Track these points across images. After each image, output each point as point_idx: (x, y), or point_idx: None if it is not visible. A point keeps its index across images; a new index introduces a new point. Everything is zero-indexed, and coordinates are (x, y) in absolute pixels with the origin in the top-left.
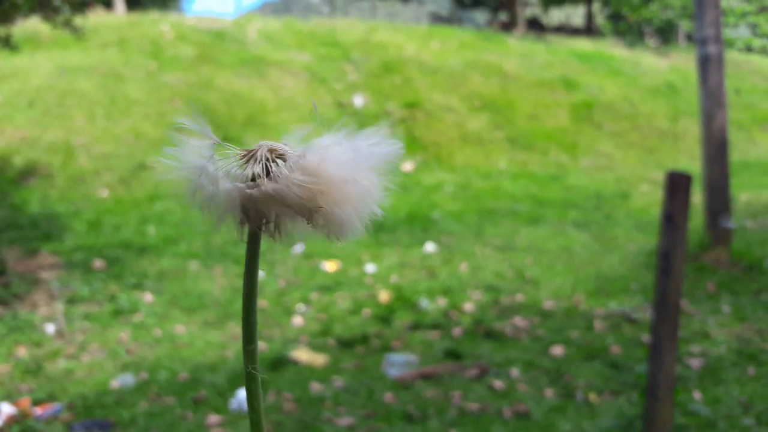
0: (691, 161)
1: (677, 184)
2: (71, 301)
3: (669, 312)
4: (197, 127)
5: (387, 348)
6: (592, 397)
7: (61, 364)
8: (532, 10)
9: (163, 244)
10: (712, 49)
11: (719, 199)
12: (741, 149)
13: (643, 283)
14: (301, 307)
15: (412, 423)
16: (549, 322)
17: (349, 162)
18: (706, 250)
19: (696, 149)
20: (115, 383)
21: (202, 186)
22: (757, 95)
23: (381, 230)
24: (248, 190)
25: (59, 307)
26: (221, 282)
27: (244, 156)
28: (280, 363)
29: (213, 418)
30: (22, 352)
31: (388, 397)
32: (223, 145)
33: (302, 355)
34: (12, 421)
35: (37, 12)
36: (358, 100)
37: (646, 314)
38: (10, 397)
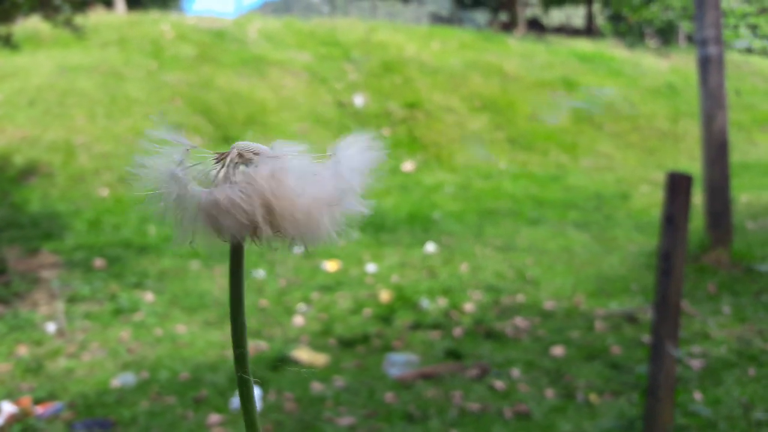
0: (692, 162)
1: (678, 185)
2: (72, 300)
3: (669, 312)
4: (170, 134)
5: (388, 348)
6: (593, 397)
7: (62, 363)
8: (533, 10)
9: (163, 243)
10: (712, 50)
11: (720, 200)
12: (741, 150)
13: (643, 283)
14: (301, 306)
15: (412, 423)
16: (549, 323)
17: (308, 175)
18: (706, 251)
19: (696, 150)
20: (116, 382)
21: (169, 192)
22: (758, 96)
23: (382, 230)
24: (200, 196)
25: (60, 306)
26: (222, 282)
27: (217, 160)
28: (281, 362)
29: (214, 418)
30: (23, 350)
31: (389, 396)
32: (198, 149)
33: (303, 354)
34: (13, 419)
35: (38, 11)
36: (359, 100)
37: (646, 315)
38: (11, 396)
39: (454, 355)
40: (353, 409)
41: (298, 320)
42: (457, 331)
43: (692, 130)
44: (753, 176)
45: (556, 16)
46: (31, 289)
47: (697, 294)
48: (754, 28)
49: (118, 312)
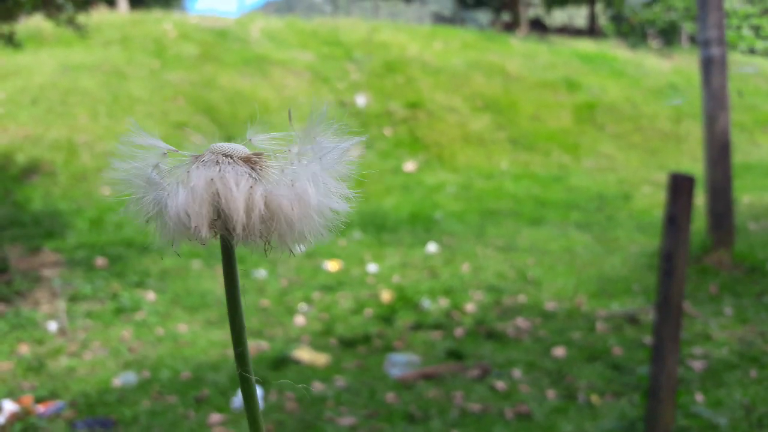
0: (694, 163)
1: (680, 186)
2: (73, 299)
3: (671, 314)
4: (147, 138)
5: (389, 348)
6: (594, 398)
7: (64, 361)
8: (535, 10)
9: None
10: (715, 51)
11: (722, 201)
12: (743, 151)
13: (645, 284)
14: (303, 306)
15: (413, 423)
16: (551, 323)
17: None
18: (708, 252)
19: (698, 151)
20: (118, 381)
21: (145, 196)
22: (760, 97)
23: (383, 230)
24: (163, 200)
25: (61, 304)
26: (223, 281)
27: (190, 162)
28: (282, 362)
29: (215, 417)
30: (25, 349)
31: (390, 397)
32: (176, 152)
33: (304, 354)
34: (14, 418)
35: (41, 10)
36: (361, 100)
37: (648, 316)
38: (12, 395)
39: (455, 355)
40: (354, 409)
41: (300, 320)
42: (459, 332)
43: (694, 131)
44: (755, 177)
45: (559, 16)
46: (32, 287)
47: (698, 295)
48: (756, 29)
49: (119, 311)
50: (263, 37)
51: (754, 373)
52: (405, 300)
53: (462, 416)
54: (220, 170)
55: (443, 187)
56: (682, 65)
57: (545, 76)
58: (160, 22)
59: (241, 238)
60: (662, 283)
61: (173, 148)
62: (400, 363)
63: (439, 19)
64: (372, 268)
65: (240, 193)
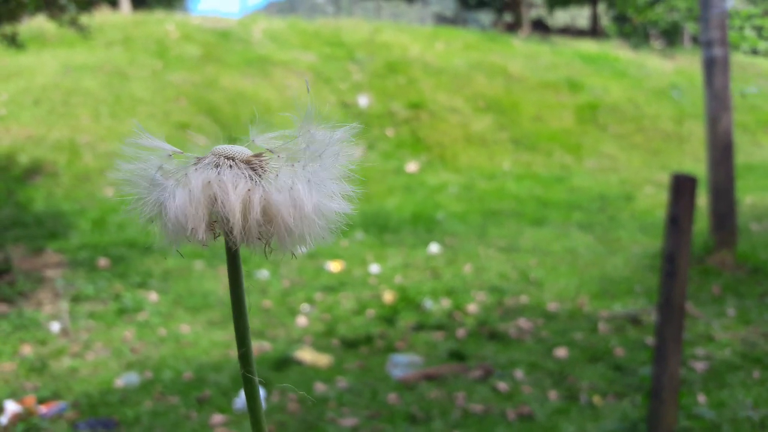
0: (696, 164)
1: (682, 187)
2: (76, 299)
3: (674, 314)
4: (151, 139)
5: (391, 349)
6: (596, 399)
7: (66, 362)
8: (537, 11)
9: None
10: (717, 51)
11: (724, 202)
12: (746, 152)
13: (647, 285)
14: (305, 307)
15: (415, 424)
16: (553, 324)
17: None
18: (711, 253)
19: (701, 152)
20: (120, 382)
21: (149, 197)
22: (762, 98)
23: (385, 231)
24: (163, 201)
25: (64, 305)
26: (226, 282)
27: (194, 164)
28: (284, 363)
29: (217, 418)
30: (27, 350)
31: (392, 397)
32: (181, 153)
33: (306, 355)
34: (17, 419)
35: (43, 10)
36: (363, 101)
37: (650, 316)
38: (15, 395)
39: (457, 356)
40: (356, 410)
41: (302, 321)
42: (461, 332)
43: (697, 132)
44: (757, 178)
45: (561, 16)
46: (35, 288)
47: (701, 296)
48: (759, 29)
49: (122, 312)
50: (265, 38)
51: (757, 374)
52: (407, 301)
53: (464, 417)
54: (218, 173)
55: (445, 188)
56: (684, 66)
57: (547, 76)
58: (162, 22)
59: (240, 240)
60: (664, 284)
61: (178, 149)
62: (402, 364)
63: (441, 19)
64: (374, 268)
65: (237, 196)
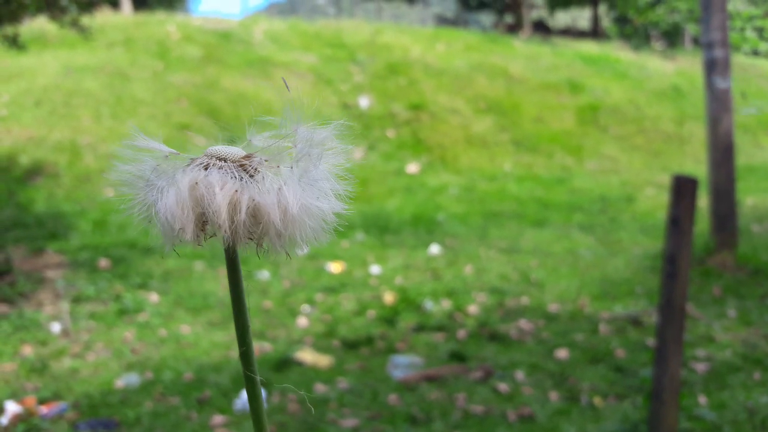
0: (697, 165)
1: (683, 188)
2: (76, 300)
3: (674, 316)
4: (148, 141)
5: (391, 350)
6: (597, 400)
7: (67, 363)
8: (538, 12)
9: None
10: (718, 52)
11: (725, 203)
12: (747, 153)
13: (648, 286)
14: (305, 308)
15: (416, 425)
16: (554, 325)
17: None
18: (711, 254)
19: (702, 153)
20: (120, 383)
21: (144, 198)
22: (764, 99)
23: (386, 232)
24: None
25: (65, 306)
26: (226, 283)
27: (189, 164)
28: (284, 364)
29: (217, 419)
30: (28, 350)
31: (393, 398)
32: (178, 155)
33: (307, 356)
34: (17, 419)
35: (45, 12)
36: (364, 102)
37: (651, 318)
38: (15, 396)
39: (458, 357)
40: (357, 411)
41: (302, 321)
42: (461, 333)
43: (698, 133)
44: (758, 179)
45: (562, 18)
46: (36, 289)
47: (702, 297)
48: (760, 30)
49: (122, 312)
50: (266, 39)
51: (757, 375)
52: (408, 302)
53: (464, 418)
54: (207, 173)
55: (446, 189)
56: (685, 67)
57: (548, 77)
58: (163, 23)
59: (228, 240)
60: (665, 285)
61: (174, 150)
62: (403, 365)
63: (442, 21)
64: (375, 269)
65: (223, 196)
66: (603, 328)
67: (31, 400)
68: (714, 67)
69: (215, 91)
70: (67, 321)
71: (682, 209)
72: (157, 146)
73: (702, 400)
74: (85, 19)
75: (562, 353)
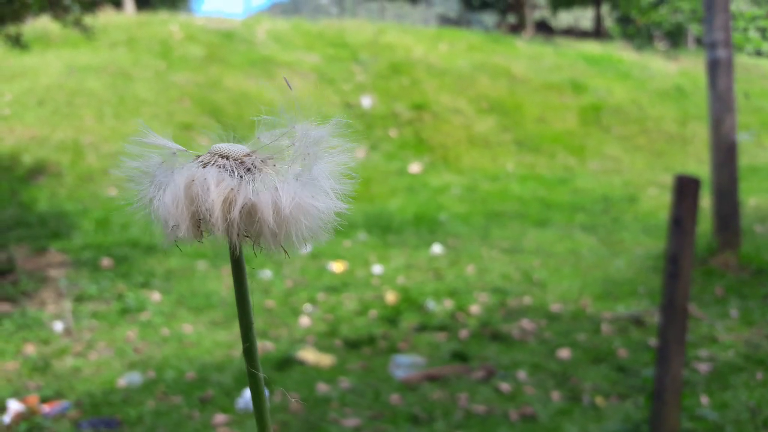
0: (700, 165)
1: (686, 188)
2: (79, 299)
3: (677, 316)
4: (157, 138)
5: (393, 349)
6: (599, 400)
7: (69, 361)
8: (541, 12)
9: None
10: (721, 52)
11: (728, 203)
12: (750, 153)
13: (650, 286)
14: (308, 307)
15: (418, 425)
16: (556, 325)
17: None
18: (714, 254)
19: (704, 153)
20: (123, 381)
21: (148, 194)
22: (767, 99)
23: (388, 231)
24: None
25: (67, 305)
26: (229, 282)
27: (192, 161)
28: (286, 363)
29: (220, 418)
30: (30, 349)
31: (395, 398)
32: (186, 152)
33: (309, 355)
34: (20, 418)
35: (47, 11)
36: (366, 102)
37: (653, 318)
38: (18, 395)
39: (459, 357)
40: (359, 411)
41: (305, 321)
42: (463, 333)
43: (700, 133)
44: (761, 179)
45: (565, 18)
46: (38, 288)
47: (704, 297)
48: (763, 31)
49: (125, 311)
50: (269, 39)
51: (760, 375)
52: (410, 301)
53: (466, 418)
54: (204, 171)
55: (448, 189)
56: (688, 67)
57: (551, 78)
58: (166, 23)
59: (224, 238)
60: (667, 286)
61: (182, 148)
62: (405, 364)
63: (445, 20)
64: (377, 269)
65: (218, 194)
66: (605, 328)
67: (33, 398)
68: (717, 68)
69: (218, 90)
70: (69, 320)
71: (685, 209)
72: (166, 143)
73: (704, 400)
74: (88, 19)
75: (564, 353)
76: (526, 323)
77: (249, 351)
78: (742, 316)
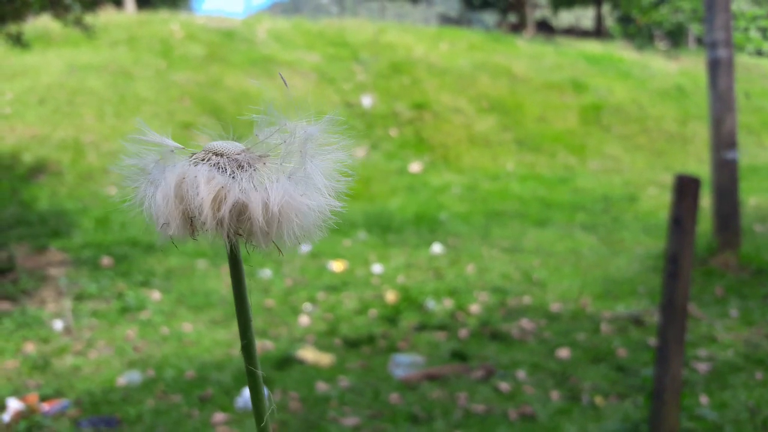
0: (700, 165)
1: (686, 188)
2: (79, 297)
3: (676, 315)
4: (155, 136)
5: (393, 348)
6: (598, 400)
7: (69, 360)
8: (542, 11)
9: (171, 241)
10: (722, 52)
11: (728, 203)
12: (750, 153)
13: (650, 286)
14: (307, 306)
15: (417, 424)
16: (555, 325)
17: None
18: (714, 254)
19: (705, 153)
20: (122, 380)
21: (144, 192)
22: (767, 99)
23: (388, 231)
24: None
25: (67, 303)
26: (228, 280)
27: (191, 159)
28: (286, 362)
29: (219, 416)
30: (30, 348)
31: (394, 397)
32: (183, 149)
33: (308, 354)
34: (19, 416)
35: (48, 10)
36: (367, 101)
37: (653, 317)
38: (17, 393)
39: (459, 356)
40: (358, 410)
41: (304, 320)
42: (463, 333)
43: (701, 133)
44: (761, 179)
45: (565, 17)
46: (38, 286)
47: (704, 297)
48: (764, 30)
49: (124, 310)
50: (269, 38)
51: (759, 375)
52: (409, 301)
53: (466, 417)
54: (196, 169)
55: (449, 188)
56: (688, 67)
57: (551, 77)
58: (166, 22)
59: (215, 236)
60: (667, 285)
61: (180, 145)
62: (404, 363)
63: (446, 20)
64: (377, 268)
65: (208, 192)
66: (605, 327)
67: (33, 397)
68: (717, 67)
69: (218, 89)
70: (69, 318)
71: (685, 209)
72: (164, 141)
73: (703, 399)
74: (89, 18)
75: (563, 353)
76: (525, 323)
77: (247, 348)
78: (741, 315)
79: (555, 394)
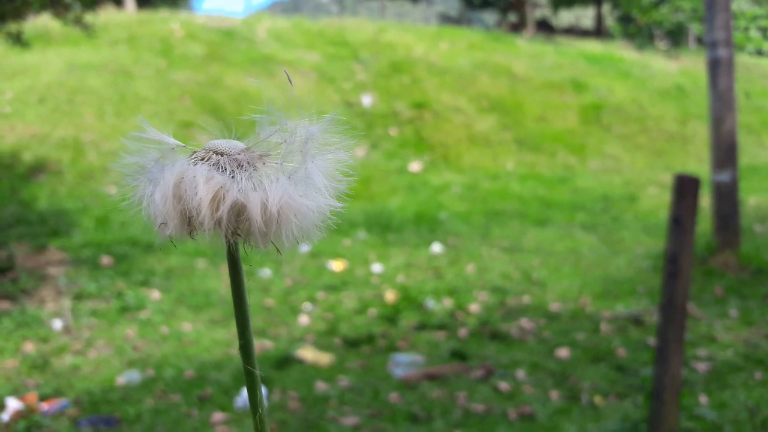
0: (700, 164)
1: (685, 188)
2: (78, 297)
3: (676, 315)
4: (156, 133)
5: (393, 348)
6: (598, 399)
7: (68, 359)
8: (542, 11)
9: (170, 241)
10: (722, 52)
11: (727, 203)
12: (750, 153)
13: (650, 286)
14: (307, 306)
15: (417, 423)
16: (555, 324)
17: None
18: (714, 254)
19: (705, 152)
20: (122, 380)
21: (144, 190)
22: (767, 99)
23: (388, 230)
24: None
25: (66, 303)
26: (228, 280)
27: (191, 157)
28: (286, 362)
29: (218, 416)
30: (29, 347)
31: (393, 397)
32: (184, 147)
33: (308, 354)
34: (18, 416)
35: (48, 9)
36: (367, 100)
37: (652, 317)
38: (17, 392)
39: (459, 355)
40: (357, 409)
41: (304, 320)
42: (463, 332)
43: (701, 133)
44: (761, 179)
45: (566, 17)
46: (38, 285)
47: (704, 297)
48: (764, 30)
49: (124, 309)
50: (270, 37)
51: (759, 375)
52: (409, 300)
53: (465, 417)
54: (195, 168)
55: (448, 188)
56: (689, 66)
57: (551, 77)
58: (167, 21)
59: (214, 236)
60: (667, 285)
61: (180, 143)
62: (404, 363)
63: (446, 19)
64: (376, 268)
65: (206, 192)
66: (604, 327)
67: (32, 396)
68: (718, 67)
69: (218, 89)
70: (68, 318)
71: (685, 209)
72: (164, 139)
73: (703, 399)
74: (89, 17)
75: (563, 352)
76: (525, 322)
77: (245, 348)
78: (741, 315)
79: (554, 394)
